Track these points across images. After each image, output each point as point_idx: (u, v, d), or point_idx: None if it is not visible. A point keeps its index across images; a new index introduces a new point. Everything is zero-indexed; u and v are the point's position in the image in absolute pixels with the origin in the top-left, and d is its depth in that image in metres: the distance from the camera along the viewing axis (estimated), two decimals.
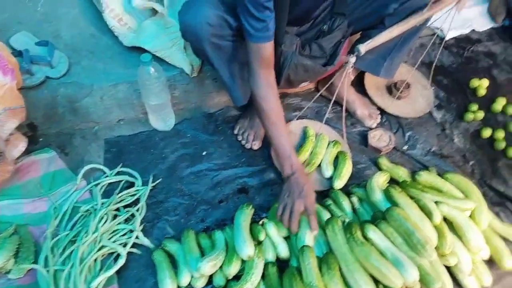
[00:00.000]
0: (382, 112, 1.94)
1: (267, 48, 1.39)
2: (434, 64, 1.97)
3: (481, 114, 1.94)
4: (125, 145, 1.71)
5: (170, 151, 1.71)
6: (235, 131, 1.80)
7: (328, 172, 1.67)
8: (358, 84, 2.00)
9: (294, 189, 1.41)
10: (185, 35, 1.44)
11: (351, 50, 1.50)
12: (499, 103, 2.00)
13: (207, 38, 1.40)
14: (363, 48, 1.32)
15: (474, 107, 1.97)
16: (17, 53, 1.69)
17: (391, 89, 1.96)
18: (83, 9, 1.95)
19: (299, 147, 1.73)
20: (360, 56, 1.33)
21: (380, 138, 1.83)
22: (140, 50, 1.74)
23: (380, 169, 1.72)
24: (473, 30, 2.40)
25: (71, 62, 1.76)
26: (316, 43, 1.60)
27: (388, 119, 1.93)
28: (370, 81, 1.99)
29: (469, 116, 1.93)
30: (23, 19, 1.88)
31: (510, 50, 2.32)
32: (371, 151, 1.81)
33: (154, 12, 1.80)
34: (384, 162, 1.72)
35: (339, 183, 1.61)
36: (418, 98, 2.00)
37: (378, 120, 1.91)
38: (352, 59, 1.32)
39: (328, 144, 1.75)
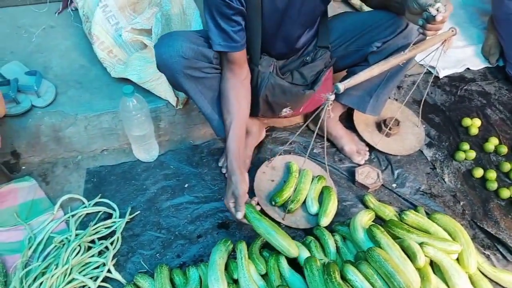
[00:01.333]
0: (371, 148, 1.91)
1: (237, 54, 1.43)
2: (423, 100, 1.96)
3: (472, 154, 1.90)
4: (107, 175, 1.69)
5: (151, 182, 1.68)
6: (220, 164, 1.77)
7: (313, 208, 1.62)
8: (347, 119, 1.99)
9: (228, 182, 1.49)
10: (160, 68, 1.46)
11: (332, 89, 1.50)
12: (492, 143, 1.96)
13: (180, 71, 1.41)
14: (342, 86, 1.31)
15: (466, 146, 1.93)
16: (6, 82, 1.72)
17: (381, 125, 1.94)
18: (76, 41, 1.99)
19: (283, 183, 1.69)
20: (339, 93, 1.32)
21: (367, 175, 1.79)
22: (128, 81, 1.75)
23: (366, 207, 1.67)
24: (468, 69, 2.40)
25: (58, 92, 1.77)
26: (298, 71, 1.62)
27: (377, 156, 1.90)
28: (359, 117, 1.97)
29: (461, 155, 1.89)
30: (16, 49, 1.92)
31: (503, 90, 2.30)
32: (359, 188, 1.77)
33: (144, 45, 1.83)
34: (370, 200, 1.68)
35: (325, 221, 1.56)
36: (408, 136, 1.97)
37: (367, 157, 1.88)
38: (331, 97, 1.30)
39: (312, 179, 1.71)
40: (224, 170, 1.74)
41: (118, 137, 1.76)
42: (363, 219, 1.53)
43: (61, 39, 2.00)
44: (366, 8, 2.41)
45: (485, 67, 2.42)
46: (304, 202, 1.66)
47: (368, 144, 1.92)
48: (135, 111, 1.54)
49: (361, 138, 1.92)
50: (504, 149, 1.94)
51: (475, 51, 2.49)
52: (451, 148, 1.96)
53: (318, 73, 1.63)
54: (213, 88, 1.52)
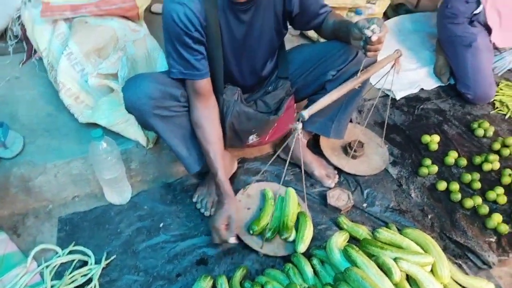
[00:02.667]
0: (340, 171, 1.97)
1: (201, 83, 1.47)
2: (385, 122, 2.06)
3: (435, 168, 2.00)
4: (79, 222, 1.67)
5: (126, 225, 1.67)
6: (194, 199, 1.79)
7: (291, 236, 1.65)
8: (315, 145, 2.06)
9: (218, 207, 1.57)
10: (128, 109, 1.49)
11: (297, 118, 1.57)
12: (451, 156, 2.07)
13: (149, 111, 1.45)
14: (306, 113, 1.38)
15: (428, 161, 2.03)
16: None
17: (346, 149, 2.02)
18: (42, 89, 2.00)
19: (259, 211, 1.72)
20: (304, 121, 1.39)
21: (338, 198, 1.84)
22: (97, 126, 1.76)
23: (340, 228, 1.72)
24: (422, 89, 2.55)
25: (26, 142, 1.76)
26: (261, 100, 1.71)
27: (346, 178, 1.96)
28: (325, 142, 2.05)
29: (424, 171, 1.98)
30: None
31: (457, 106, 2.45)
32: (331, 211, 1.82)
33: (111, 89, 1.86)
34: (344, 221, 1.72)
35: (302, 247, 1.59)
36: (373, 156, 2.06)
37: (336, 180, 1.94)
38: (299, 126, 1.36)
39: None
40: (198, 206, 1.76)
41: (89, 182, 1.75)
42: (338, 240, 1.57)
43: (27, 89, 2.00)
44: (323, 40, 2.55)
45: (438, 86, 2.58)
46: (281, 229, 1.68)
47: (336, 167, 1.98)
48: (105, 155, 1.55)
49: (329, 162, 1.99)
50: (463, 161, 2.05)
51: (427, 72, 2.65)
52: (414, 165, 2.05)
53: (280, 100, 1.72)
54: (182, 126, 1.56)
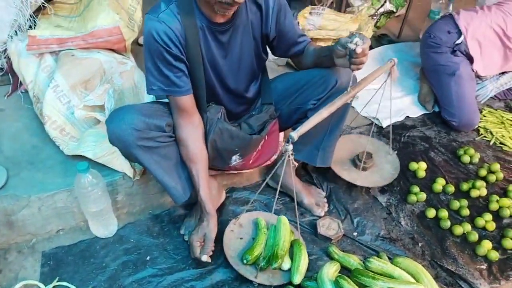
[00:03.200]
0: (329, 199, 1.96)
1: (183, 99, 1.50)
2: (390, 127, 2.07)
3: (423, 196, 2.00)
4: (64, 256, 1.62)
5: (111, 259, 1.63)
6: (182, 231, 1.75)
7: (286, 264, 1.61)
8: (303, 171, 2.05)
9: (198, 223, 1.62)
10: (112, 141, 1.48)
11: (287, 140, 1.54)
12: (439, 183, 2.08)
13: (133, 143, 1.44)
14: (295, 134, 1.35)
15: (416, 189, 2.04)
16: None
17: (355, 161, 2.01)
18: (27, 122, 1.98)
19: (252, 240, 1.69)
20: (294, 142, 1.36)
21: (329, 227, 1.82)
22: (82, 158, 1.74)
23: (331, 258, 1.69)
24: (407, 117, 2.58)
25: (10, 175, 1.72)
26: (245, 123, 1.73)
27: (336, 206, 1.95)
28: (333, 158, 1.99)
29: (413, 198, 1.99)
30: None
31: (442, 133, 2.48)
32: (322, 240, 1.80)
33: (97, 121, 1.85)
34: (335, 251, 1.70)
35: (298, 278, 1.54)
36: (384, 165, 2.05)
37: (326, 208, 1.93)
38: (289, 147, 1.35)
39: None
40: (186, 238, 1.72)
41: (74, 215, 1.72)
42: (330, 271, 1.55)
43: (12, 121, 1.98)
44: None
45: (423, 114, 2.62)
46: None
47: (347, 182, 1.96)
48: (90, 187, 1.52)
49: (340, 178, 1.96)
50: (451, 188, 2.06)
51: (412, 100, 2.70)
52: (403, 192, 2.05)
53: (263, 123, 1.74)
54: (167, 157, 1.55)
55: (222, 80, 1.61)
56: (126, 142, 1.45)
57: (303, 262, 1.59)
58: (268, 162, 2.00)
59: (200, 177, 1.56)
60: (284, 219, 1.72)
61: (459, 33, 2.44)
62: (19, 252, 1.64)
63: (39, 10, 2.21)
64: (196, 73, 1.52)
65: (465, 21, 2.45)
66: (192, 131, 1.54)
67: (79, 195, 1.56)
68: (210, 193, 1.63)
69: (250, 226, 1.76)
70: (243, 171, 1.94)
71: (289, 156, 1.38)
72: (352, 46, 1.36)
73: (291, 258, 1.63)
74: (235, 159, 1.75)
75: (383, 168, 2.05)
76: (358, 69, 1.44)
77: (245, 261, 1.59)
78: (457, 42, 2.44)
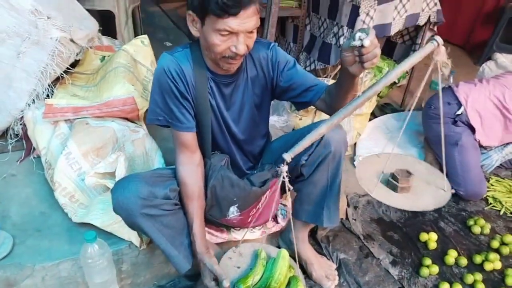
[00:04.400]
0: (339, 271, 1.91)
1: (186, 136, 1.55)
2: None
3: (436, 269, 1.94)
4: None
5: None
6: None
7: None
8: (312, 240, 2.02)
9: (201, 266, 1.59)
10: (116, 210, 1.47)
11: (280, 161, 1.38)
12: (451, 256, 2.03)
13: (137, 211, 1.43)
14: (287, 156, 1.27)
15: (428, 261, 1.98)
16: None
17: (390, 181, 1.58)
18: (37, 187, 2.00)
19: (250, 270, 1.59)
20: (288, 163, 1.26)
21: None
22: (89, 225, 1.73)
23: None
24: None
25: (15, 242, 1.70)
26: (247, 178, 1.74)
27: (346, 279, 1.89)
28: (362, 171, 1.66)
29: (425, 271, 1.93)
30: None
31: (451, 202, 2.47)
32: None
33: (107, 188, 1.86)
34: None
35: None
36: (429, 189, 1.61)
37: (336, 282, 1.87)
38: (284, 168, 1.25)
39: None
40: None
41: (78, 286, 1.67)
42: None
43: (22, 186, 2.00)
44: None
45: None
46: None
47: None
48: (97, 257, 1.50)
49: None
50: (464, 261, 2.01)
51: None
52: (415, 264, 2.00)
53: (265, 181, 1.74)
54: (171, 225, 1.54)
55: (228, 129, 1.68)
56: (129, 210, 1.45)
57: None
58: (276, 229, 1.97)
59: (195, 214, 1.57)
60: (284, 252, 1.64)
61: (459, 104, 2.51)
62: None
63: (57, 80, 2.31)
64: (203, 119, 1.58)
65: (464, 93, 2.53)
66: (192, 169, 1.58)
67: (85, 265, 1.53)
68: (204, 232, 1.62)
69: (250, 256, 1.68)
70: (247, 236, 1.89)
71: (284, 178, 1.28)
72: (357, 43, 1.20)
73: None
74: (233, 211, 1.74)
75: (428, 191, 1.59)
76: (372, 64, 1.25)
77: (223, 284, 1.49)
78: (458, 112, 2.50)
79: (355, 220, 2.22)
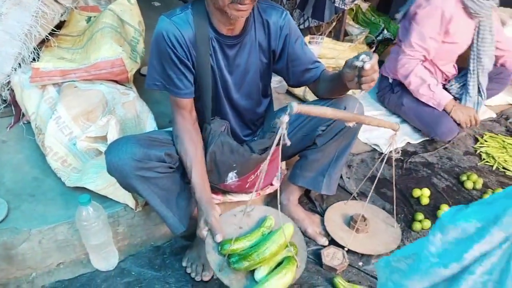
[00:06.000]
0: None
1: (183, 101, 1.54)
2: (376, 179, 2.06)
3: (428, 223, 1.98)
4: None
5: None
6: (184, 263, 1.72)
7: (259, 274, 1.40)
8: (306, 199, 2.04)
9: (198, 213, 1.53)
10: (110, 172, 1.47)
11: (284, 109, 1.45)
12: (444, 210, 2.06)
13: (132, 173, 1.43)
14: (296, 106, 1.18)
15: (420, 216, 2.01)
16: None
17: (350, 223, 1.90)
18: (29, 153, 1.98)
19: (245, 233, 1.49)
20: (292, 114, 1.18)
21: (333, 256, 1.79)
22: (83, 189, 1.73)
23: None
24: (408, 143, 2.58)
25: (10, 207, 1.70)
26: (247, 145, 1.73)
27: None
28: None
29: (417, 226, 1.96)
30: None
31: (444, 159, 2.48)
32: (327, 271, 1.76)
33: (99, 152, 1.85)
34: (340, 282, 1.66)
35: None
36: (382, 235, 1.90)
37: (330, 237, 1.90)
38: (285, 118, 1.16)
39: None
40: (189, 270, 1.69)
41: (75, 248, 1.69)
42: None
43: (13, 153, 1.98)
44: (309, 97, 2.62)
45: (424, 140, 2.62)
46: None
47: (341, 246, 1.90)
48: (92, 220, 1.51)
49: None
50: None
51: (411, 126, 2.71)
52: (407, 220, 2.03)
53: (265, 148, 1.74)
54: (166, 187, 1.54)
55: (229, 94, 1.64)
56: (124, 172, 1.44)
57: (278, 281, 1.34)
58: (270, 191, 1.99)
59: (194, 162, 1.53)
60: (289, 228, 1.49)
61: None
62: (18, 286, 1.61)
63: (42, 42, 2.25)
64: (203, 82, 1.55)
65: (388, 68, 2.69)
66: (189, 129, 1.56)
67: (80, 228, 1.54)
68: (205, 184, 1.55)
69: (257, 220, 1.55)
70: (243, 198, 1.91)
71: (283, 130, 1.18)
72: (359, 63, 1.30)
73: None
74: (231, 177, 1.74)
75: (381, 236, 1.88)
76: (369, 87, 1.36)
77: (219, 248, 1.40)
78: (390, 81, 2.70)
79: (349, 178, 2.24)
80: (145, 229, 1.80)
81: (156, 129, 1.98)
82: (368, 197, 1.92)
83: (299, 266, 1.44)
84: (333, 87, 1.62)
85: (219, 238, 1.40)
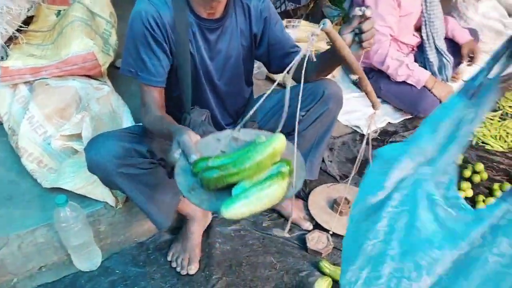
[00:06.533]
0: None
1: (154, 92, 1.45)
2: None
3: None
4: None
5: None
6: (169, 258, 1.71)
7: (237, 190, 1.04)
8: None
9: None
10: (92, 170, 1.44)
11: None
12: None
13: (114, 170, 1.40)
14: (329, 24, 1.10)
15: None
16: None
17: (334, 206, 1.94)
18: (3, 156, 1.92)
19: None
20: (325, 29, 1.09)
21: (318, 240, 1.81)
22: (61, 189, 1.70)
23: (323, 273, 1.67)
24: (389, 122, 2.59)
25: None
26: None
27: None
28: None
29: None
30: None
31: None
32: (312, 255, 1.77)
33: (75, 150, 1.81)
34: (325, 265, 1.68)
35: (229, 211, 0.96)
36: None
37: (314, 221, 1.91)
38: (318, 31, 1.07)
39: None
40: (174, 264, 1.68)
41: (56, 250, 1.66)
42: (322, 287, 1.53)
43: None
44: (289, 82, 2.59)
45: (404, 119, 2.63)
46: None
47: (326, 230, 1.89)
48: (71, 221, 1.48)
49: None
50: None
51: (391, 106, 2.71)
52: None
53: None
54: (149, 183, 1.52)
55: (212, 80, 1.60)
56: (106, 170, 1.41)
57: (259, 194, 0.99)
58: None
59: (163, 116, 1.40)
60: (279, 138, 1.14)
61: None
62: None
63: (10, 40, 2.17)
64: (183, 69, 1.50)
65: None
66: (161, 112, 1.44)
67: (59, 229, 1.52)
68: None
69: (244, 141, 1.24)
70: None
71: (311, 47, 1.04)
72: (359, 12, 1.18)
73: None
74: None
75: None
76: (370, 44, 1.26)
77: (192, 168, 1.09)
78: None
79: (331, 161, 2.24)
80: (127, 226, 1.79)
81: (133, 123, 1.94)
82: (349, 179, 1.90)
83: (294, 185, 1.08)
84: (319, 67, 1.52)
85: (194, 158, 1.09)
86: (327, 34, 1.15)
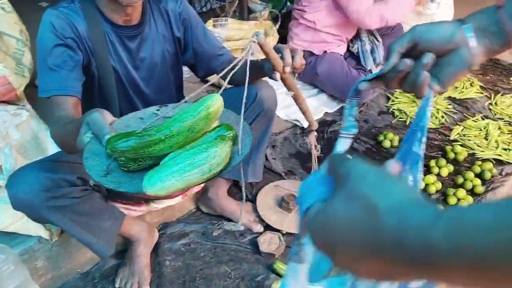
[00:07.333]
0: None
1: (69, 102, 1.27)
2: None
3: None
4: None
5: None
6: (117, 285, 1.62)
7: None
8: (236, 189, 2.01)
9: None
10: (16, 207, 1.31)
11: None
12: None
13: (42, 204, 1.27)
14: (262, 37, 1.13)
15: None
16: None
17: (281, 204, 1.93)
18: None
19: None
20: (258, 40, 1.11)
21: (270, 242, 1.79)
22: None
23: (278, 275, 1.66)
24: (326, 112, 2.63)
25: None
26: None
27: None
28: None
29: None
30: None
31: (361, 122, 2.56)
32: (266, 258, 1.75)
33: None
34: (279, 266, 1.67)
35: (154, 188, 0.78)
36: None
37: (264, 223, 1.89)
38: (260, 37, 1.13)
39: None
40: None
41: None
42: None
43: None
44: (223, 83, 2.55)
45: (341, 107, 2.68)
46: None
47: (277, 230, 1.88)
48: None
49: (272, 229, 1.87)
50: None
51: (327, 95, 2.75)
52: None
53: None
54: (84, 212, 1.41)
55: (140, 91, 1.53)
56: (32, 206, 1.28)
57: (194, 158, 0.82)
58: (198, 189, 1.92)
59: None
60: (213, 100, 0.97)
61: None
62: None
63: None
64: (106, 81, 1.42)
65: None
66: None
67: None
68: None
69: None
70: (169, 203, 1.82)
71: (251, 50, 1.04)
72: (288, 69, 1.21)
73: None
74: None
75: None
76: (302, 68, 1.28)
77: (105, 149, 0.88)
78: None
79: (274, 159, 2.23)
80: (67, 257, 1.66)
81: (60, 150, 1.80)
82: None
83: (240, 151, 0.95)
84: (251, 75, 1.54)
85: (107, 137, 0.88)
86: (260, 46, 1.14)
